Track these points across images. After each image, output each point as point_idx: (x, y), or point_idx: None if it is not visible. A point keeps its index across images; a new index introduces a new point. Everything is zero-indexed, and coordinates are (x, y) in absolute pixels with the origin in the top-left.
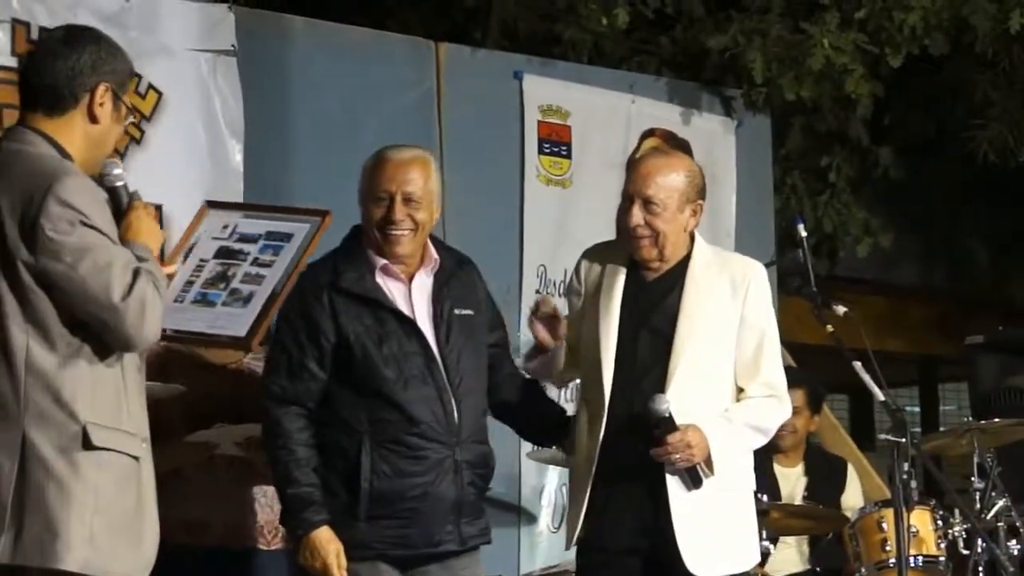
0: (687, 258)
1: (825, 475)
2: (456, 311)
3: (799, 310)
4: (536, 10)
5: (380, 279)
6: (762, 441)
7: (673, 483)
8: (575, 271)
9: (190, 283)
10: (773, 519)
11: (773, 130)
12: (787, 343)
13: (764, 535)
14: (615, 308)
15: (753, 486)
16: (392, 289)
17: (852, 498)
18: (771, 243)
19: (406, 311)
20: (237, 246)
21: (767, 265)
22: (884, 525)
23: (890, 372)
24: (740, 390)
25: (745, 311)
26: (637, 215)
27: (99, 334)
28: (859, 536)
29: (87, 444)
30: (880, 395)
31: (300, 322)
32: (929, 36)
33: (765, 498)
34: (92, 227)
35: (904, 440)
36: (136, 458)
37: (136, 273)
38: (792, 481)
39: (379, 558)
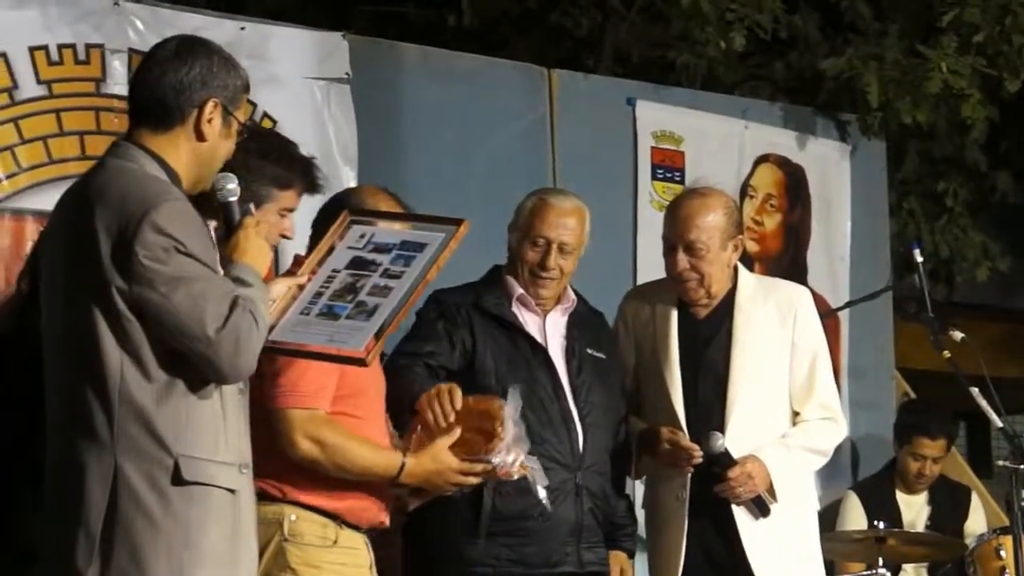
0: (733, 290)
1: (949, 503)
2: (589, 351)
3: (916, 336)
4: (649, 37)
5: (516, 308)
6: (821, 462)
7: (740, 514)
8: (620, 315)
9: (319, 294)
10: (890, 546)
11: (888, 155)
12: (903, 369)
13: (882, 562)
14: (674, 352)
15: (817, 505)
16: (527, 319)
17: (976, 525)
18: (887, 269)
19: (539, 341)
20: (370, 256)
21: (883, 291)
22: (1002, 552)
23: (1008, 398)
24: (796, 413)
25: (795, 336)
26: (682, 260)
27: (194, 364)
28: (977, 564)
29: (179, 478)
30: (998, 421)
31: (440, 321)
32: None
33: (882, 525)
34: (189, 255)
35: (1022, 466)
36: (232, 491)
37: (233, 304)
38: (915, 509)
39: None
